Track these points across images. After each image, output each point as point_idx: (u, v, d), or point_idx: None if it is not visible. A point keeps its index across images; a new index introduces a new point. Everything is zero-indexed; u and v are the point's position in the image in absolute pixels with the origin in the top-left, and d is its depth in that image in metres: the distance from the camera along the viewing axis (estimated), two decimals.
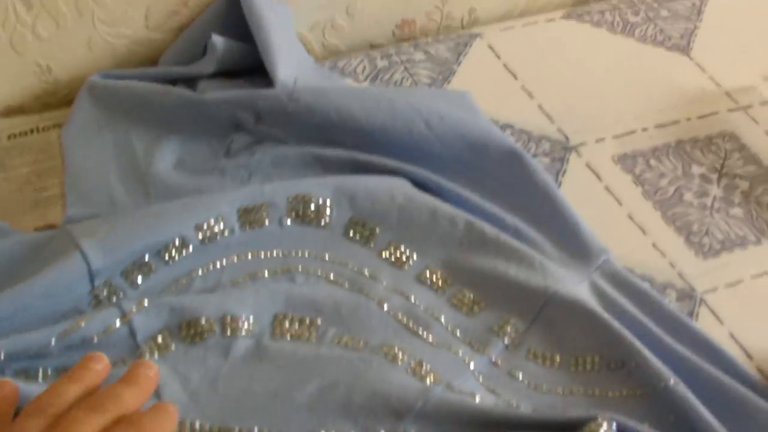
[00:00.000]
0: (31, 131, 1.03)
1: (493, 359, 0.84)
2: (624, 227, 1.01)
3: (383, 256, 0.92)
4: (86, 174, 0.97)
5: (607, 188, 1.04)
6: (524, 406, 0.80)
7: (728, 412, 0.79)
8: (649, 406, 0.80)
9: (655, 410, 0.79)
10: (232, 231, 0.88)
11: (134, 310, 0.81)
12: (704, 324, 0.91)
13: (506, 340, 0.85)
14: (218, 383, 0.79)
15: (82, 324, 0.78)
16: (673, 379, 0.79)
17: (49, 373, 0.78)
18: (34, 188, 0.97)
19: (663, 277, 0.95)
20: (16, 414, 0.65)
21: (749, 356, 0.89)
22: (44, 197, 0.96)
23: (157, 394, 0.77)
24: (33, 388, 0.74)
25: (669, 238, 1.00)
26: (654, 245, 0.99)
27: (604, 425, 0.73)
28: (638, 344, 0.82)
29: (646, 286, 0.91)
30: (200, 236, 0.87)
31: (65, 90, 1.09)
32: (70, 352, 0.78)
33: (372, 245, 0.92)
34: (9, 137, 1.02)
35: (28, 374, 0.77)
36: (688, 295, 0.93)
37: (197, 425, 0.76)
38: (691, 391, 0.79)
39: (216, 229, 0.87)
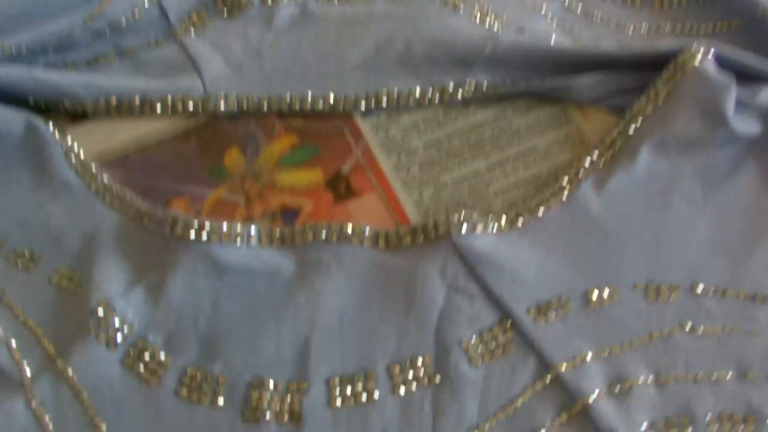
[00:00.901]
0: None
1: (567, 3, 0.75)
2: None
3: None
4: None
5: None
6: (607, 45, 0.71)
7: None
8: (748, 37, 0.71)
9: (754, 40, 0.70)
10: None
11: None
12: None
13: None
14: (263, 52, 0.72)
15: (106, 6, 0.71)
16: None
17: (80, 66, 0.72)
18: None
19: None
20: None
21: None
22: None
23: (197, 69, 0.71)
24: (65, 79, 0.69)
25: None
26: None
27: (700, 53, 0.65)
28: None
29: None
30: None
31: None
32: (99, 41, 0.73)
33: None
34: None
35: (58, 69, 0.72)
36: None
37: (244, 100, 0.69)
38: None
39: None
